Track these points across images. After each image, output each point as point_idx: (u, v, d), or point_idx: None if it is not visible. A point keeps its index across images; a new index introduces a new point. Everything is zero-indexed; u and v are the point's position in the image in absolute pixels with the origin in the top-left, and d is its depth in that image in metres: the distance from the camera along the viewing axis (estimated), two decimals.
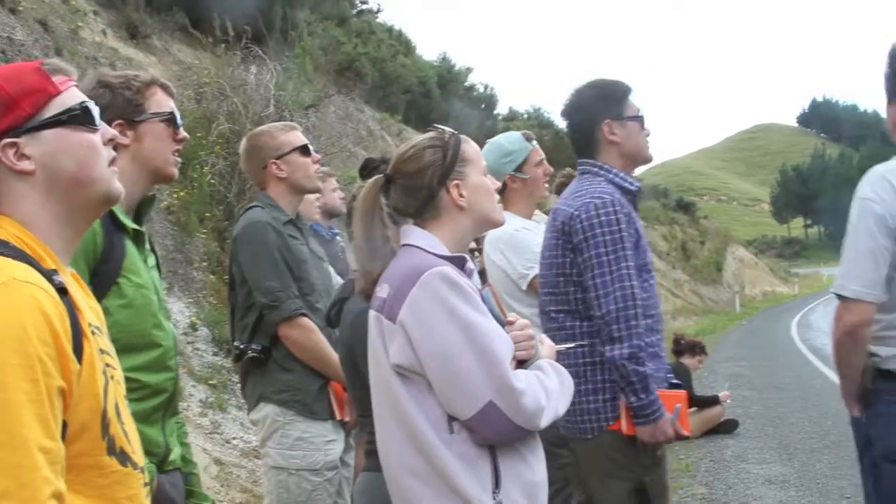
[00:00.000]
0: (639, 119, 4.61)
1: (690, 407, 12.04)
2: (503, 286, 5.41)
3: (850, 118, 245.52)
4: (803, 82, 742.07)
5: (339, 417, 4.87)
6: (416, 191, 3.14)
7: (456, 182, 3.14)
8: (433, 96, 35.87)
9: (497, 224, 3.38)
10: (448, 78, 38.95)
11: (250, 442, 8.69)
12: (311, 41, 22.00)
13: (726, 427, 12.52)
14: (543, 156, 5.66)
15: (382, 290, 3.04)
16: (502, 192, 5.56)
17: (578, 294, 4.33)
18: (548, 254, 4.50)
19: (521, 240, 5.35)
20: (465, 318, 2.88)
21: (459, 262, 3.10)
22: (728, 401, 13.00)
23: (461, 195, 3.14)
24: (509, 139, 5.71)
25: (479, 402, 2.85)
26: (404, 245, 3.13)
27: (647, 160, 4.79)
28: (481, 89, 42.88)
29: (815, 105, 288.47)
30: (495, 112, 43.78)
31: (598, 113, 4.53)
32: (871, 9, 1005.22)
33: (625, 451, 4.31)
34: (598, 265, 4.21)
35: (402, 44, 36.33)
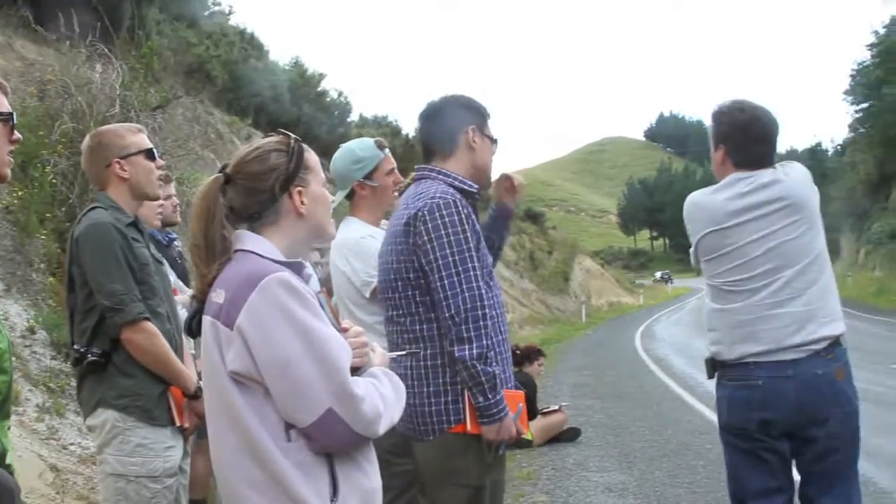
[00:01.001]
0: (494, 142, 4.73)
1: (533, 418, 12.26)
2: (347, 293, 5.40)
3: (696, 133, 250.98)
4: (651, 97, 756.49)
5: (178, 423, 4.80)
6: (258, 193, 3.08)
7: (299, 188, 3.11)
8: (284, 101, 35.65)
9: (329, 238, 3.36)
10: (300, 83, 38.75)
11: (88, 448, 8.49)
12: (161, 41, 21.72)
13: (568, 435, 12.67)
14: (395, 165, 5.65)
15: (218, 296, 2.98)
16: (350, 198, 5.60)
17: (419, 297, 4.34)
18: (388, 258, 4.49)
19: (367, 247, 5.32)
20: (305, 324, 2.85)
21: (297, 268, 3.07)
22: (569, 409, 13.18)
23: (303, 202, 3.11)
24: (361, 146, 5.65)
25: (319, 409, 2.82)
26: (239, 250, 3.07)
27: (489, 183, 4.91)
28: (334, 95, 42.77)
29: (661, 120, 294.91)
30: (348, 119, 43.70)
31: (465, 118, 4.61)
32: (717, 28, 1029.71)
33: (466, 452, 4.33)
34: (444, 266, 4.21)
35: (254, 47, 36.07)
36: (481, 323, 4.20)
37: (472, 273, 4.23)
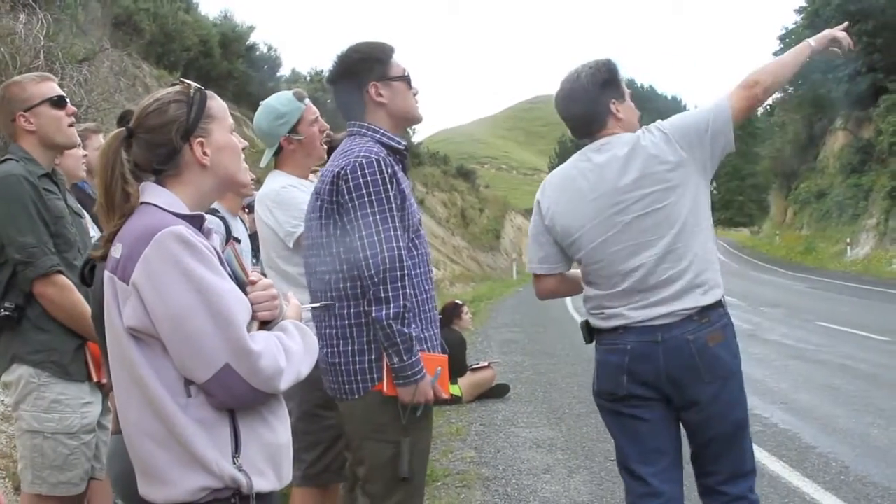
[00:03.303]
0: (405, 79, 4.61)
1: (462, 374, 12.27)
2: (272, 245, 5.37)
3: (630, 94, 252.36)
4: (585, 56, 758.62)
5: (95, 379, 4.72)
6: (158, 146, 3.00)
7: (200, 139, 3.02)
8: (214, 55, 35.32)
9: (242, 185, 3.30)
10: (231, 37, 38.34)
11: (9, 405, 8.36)
12: None
13: (498, 391, 12.71)
14: (318, 113, 5.57)
15: (116, 250, 2.89)
16: (279, 153, 5.56)
17: (344, 255, 4.29)
18: (313, 214, 4.44)
19: (289, 197, 5.26)
20: (200, 279, 2.78)
21: (197, 222, 2.99)
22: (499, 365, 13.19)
23: (205, 153, 3.02)
24: (280, 100, 5.59)
25: (215, 365, 2.77)
26: (142, 203, 2.98)
27: (417, 120, 4.77)
28: (264, 49, 42.41)
29: None
30: (278, 74, 43.38)
31: (364, 75, 4.51)
32: None
33: (390, 411, 4.31)
34: (364, 225, 4.17)
35: (182, 0, 35.61)
36: (399, 284, 4.17)
37: (392, 233, 4.19)
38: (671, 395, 4.61)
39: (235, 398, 2.84)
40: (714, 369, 4.56)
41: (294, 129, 5.50)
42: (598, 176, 4.65)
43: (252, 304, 2.97)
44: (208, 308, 2.76)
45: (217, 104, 3.12)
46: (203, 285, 2.77)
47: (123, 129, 3.05)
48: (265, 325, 2.99)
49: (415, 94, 4.66)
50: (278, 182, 5.39)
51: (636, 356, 4.59)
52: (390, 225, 4.19)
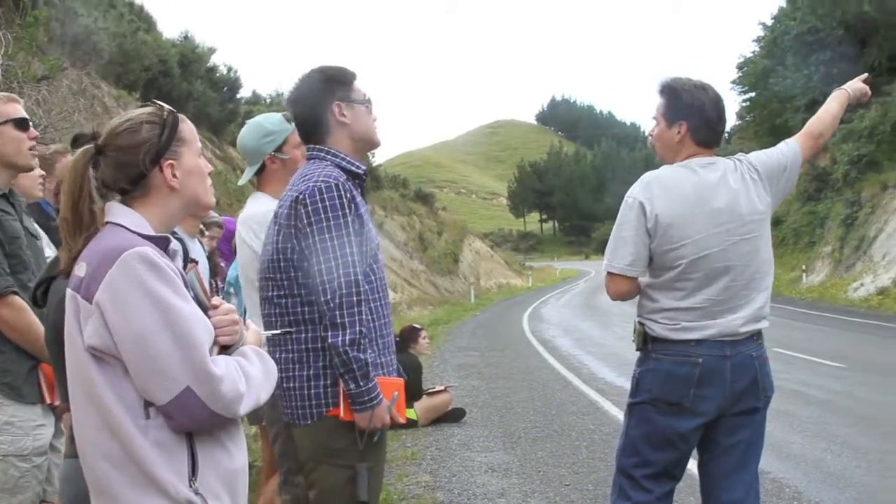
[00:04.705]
0: (367, 103, 4.62)
1: (419, 398, 12.26)
2: (252, 267, 5.32)
3: (587, 118, 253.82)
4: (543, 81, 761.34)
5: (48, 401, 4.69)
6: (128, 166, 2.98)
7: (170, 162, 3.02)
8: (174, 75, 35.13)
9: (208, 207, 3.29)
10: (191, 58, 38.19)
11: None
12: (47, 11, 21.22)
13: (454, 415, 12.69)
14: None
15: (80, 269, 2.88)
16: (261, 172, 5.59)
17: (301, 279, 4.28)
18: (272, 238, 4.43)
19: None
20: (164, 300, 2.77)
21: (163, 243, 2.98)
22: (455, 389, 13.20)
23: (174, 175, 3.02)
24: (269, 120, 5.63)
25: (176, 387, 2.75)
26: (108, 223, 2.97)
27: (376, 144, 4.80)
28: (224, 71, 42.24)
29: (553, 104, 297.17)
30: (238, 95, 43.23)
31: (328, 95, 4.51)
32: (611, 15, 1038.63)
33: (345, 436, 4.30)
34: (322, 251, 4.16)
35: (142, 20, 35.48)
36: (356, 309, 4.16)
37: (349, 259, 4.18)
38: (727, 407, 4.93)
39: (195, 421, 2.82)
40: (767, 387, 5.04)
41: (279, 149, 5.53)
42: (710, 192, 4.89)
43: (214, 328, 2.97)
44: (171, 330, 2.75)
45: (188, 127, 3.13)
46: (167, 307, 2.77)
47: (92, 146, 3.04)
48: (225, 349, 2.98)
49: (374, 121, 4.67)
50: (264, 205, 5.35)
51: (707, 369, 4.85)
52: (348, 250, 4.18)
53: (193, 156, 3.12)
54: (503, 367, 19.17)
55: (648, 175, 5.02)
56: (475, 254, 72.43)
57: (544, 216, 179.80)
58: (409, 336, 12.88)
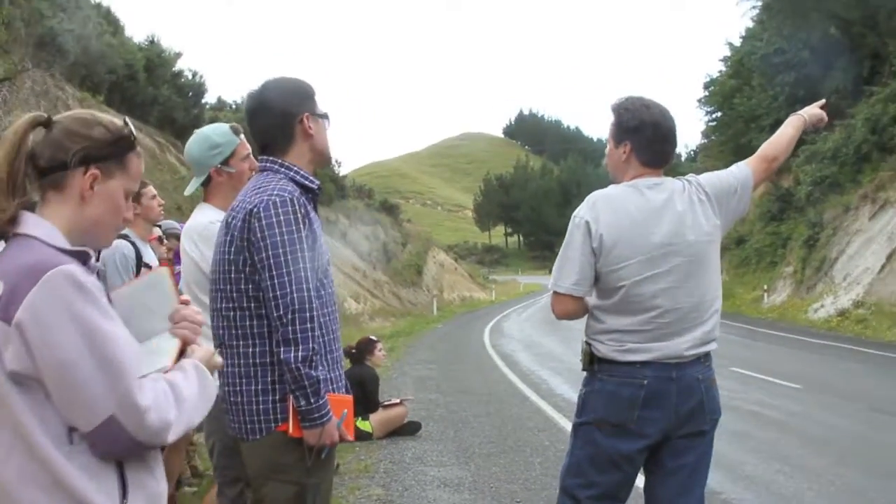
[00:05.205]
0: (326, 117, 4.61)
1: (374, 411, 12.21)
2: (194, 278, 5.31)
3: (554, 133, 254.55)
4: (511, 95, 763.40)
5: None
6: (59, 149, 2.84)
7: (95, 172, 2.86)
8: (139, 79, 35.07)
9: (102, 245, 3.06)
10: (157, 62, 38.10)
11: None
12: (12, 11, 21.10)
13: (409, 429, 12.65)
14: (250, 150, 5.54)
15: None
16: (207, 184, 5.53)
17: (252, 292, 4.23)
18: (222, 250, 4.37)
19: (215, 232, 5.21)
20: (90, 324, 2.63)
21: (83, 258, 2.82)
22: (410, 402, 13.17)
23: (91, 187, 2.86)
24: (217, 131, 5.57)
25: (100, 415, 2.63)
26: (18, 234, 2.81)
27: (330, 160, 4.83)
28: (190, 76, 42.13)
29: (521, 118, 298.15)
30: (203, 101, 43.14)
31: (298, 106, 4.47)
32: (580, 31, 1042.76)
33: (293, 452, 4.26)
34: (275, 266, 4.12)
35: (109, 22, 35.32)
36: (308, 325, 4.12)
37: (302, 274, 4.13)
38: (672, 429, 4.90)
39: (119, 450, 2.71)
40: (714, 410, 5.02)
41: (226, 162, 5.47)
42: (655, 213, 4.88)
43: (181, 319, 2.94)
44: (97, 356, 2.62)
45: (137, 163, 3.01)
46: (93, 331, 2.64)
47: (41, 115, 2.91)
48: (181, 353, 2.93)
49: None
50: (206, 216, 5.33)
51: (652, 391, 4.83)
52: (301, 266, 4.13)
53: (121, 189, 2.96)
54: (462, 381, 19.17)
55: (595, 194, 5.01)
56: (439, 266, 72.48)
57: (510, 230, 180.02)
58: (365, 348, 12.83)
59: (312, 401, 4.13)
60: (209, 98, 45.39)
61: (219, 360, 3.14)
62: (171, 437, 2.76)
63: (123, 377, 2.65)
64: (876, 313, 34.04)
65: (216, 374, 3.26)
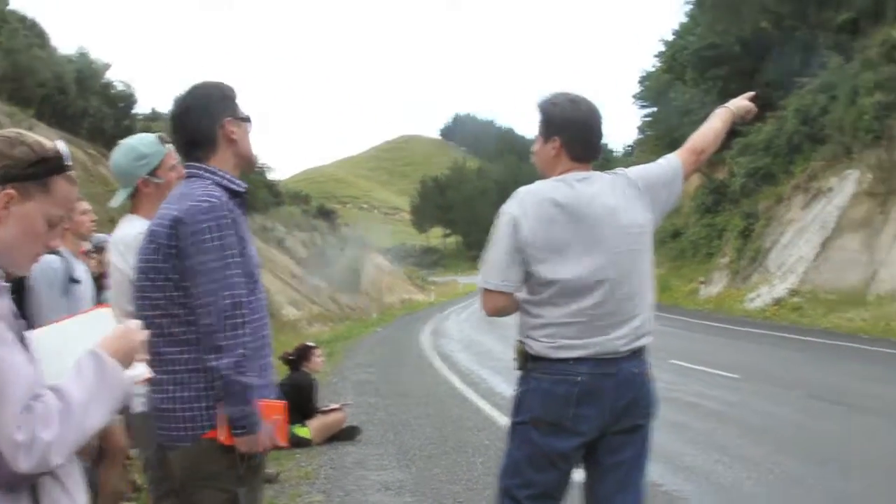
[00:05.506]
0: (249, 121, 4.56)
1: (312, 417, 12.15)
2: (122, 288, 5.22)
3: (489, 133, 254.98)
4: (447, 97, 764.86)
5: None
6: None
7: (11, 192, 2.74)
8: (69, 92, 34.75)
9: (13, 270, 2.96)
10: (87, 74, 37.78)
11: None
12: None
13: (348, 434, 12.56)
14: (177, 159, 5.47)
15: None
16: (134, 195, 5.47)
17: (181, 299, 4.17)
18: (148, 258, 4.29)
19: None
20: None
21: None
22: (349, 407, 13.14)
23: (5, 207, 2.73)
24: (143, 142, 5.51)
25: None
26: None
27: (254, 164, 4.75)
28: (120, 87, 41.79)
29: (457, 119, 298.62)
30: (133, 111, 42.77)
31: (220, 111, 4.42)
32: (512, 31, 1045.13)
33: (223, 460, 4.21)
34: (203, 272, 4.07)
35: (36, 35, 34.98)
36: (238, 332, 4.08)
37: (231, 280, 4.09)
38: (608, 426, 4.85)
39: (4, 479, 2.57)
40: (650, 404, 4.98)
41: (153, 172, 5.42)
42: (585, 206, 4.80)
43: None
44: None
45: (65, 189, 2.87)
46: None
47: None
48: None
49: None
50: (134, 228, 5.25)
51: (587, 388, 4.76)
52: (230, 272, 4.09)
53: (40, 213, 2.82)
54: (401, 384, 19.11)
55: (522, 190, 4.98)
56: (377, 269, 72.36)
57: (447, 231, 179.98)
58: (302, 354, 12.78)
59: (243, 408, 4.08)
60: (141, 109, 45.06)
61: (135, 331, 3.04)
62: (58, 458, 2.60)
63: (5, 407, 2.52)
64: (811, 301, 34.47)
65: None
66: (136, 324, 3.01)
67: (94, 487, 6.46)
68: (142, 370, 3.05)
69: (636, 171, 5.12)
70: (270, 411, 4.30)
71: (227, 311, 4.05)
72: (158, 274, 4.22)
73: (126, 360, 2.91)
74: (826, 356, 22.24)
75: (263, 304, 4.45)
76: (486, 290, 4.97)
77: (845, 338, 26.34)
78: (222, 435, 4.17)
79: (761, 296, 38.97)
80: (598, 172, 5.00)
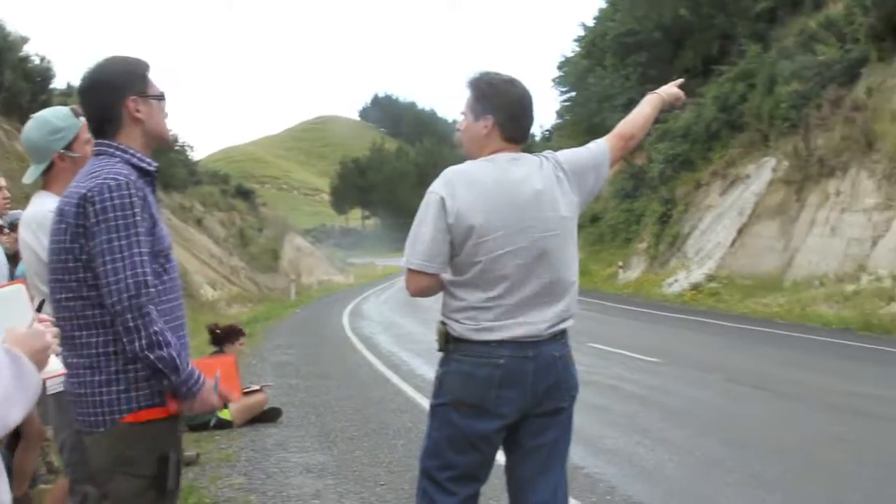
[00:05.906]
0: (161, 98, 4.43)
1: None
2: (34, 267, 5.11)
3: (409, 115, 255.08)
4: (366, 77, 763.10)
5: None
6: None
7: None
8: None
9: None
10: (2, 46, 37.07)
11: None
12: None
13: (269, 416, 12.47)
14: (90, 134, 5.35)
15: None
16: (48, 170, 5.31)
17: (92, 280, 4.05)
18: (57, 238, 4.18)
19: None
20: None
21: None
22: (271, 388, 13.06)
23: None
24: (58, 115, 5.33)
25: None
26: None
27: (169, 142, 4.65)
28: (37, 61, 41.04)
29: (376, 100, 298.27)
30: (51, 86, 42.05)
31: (124, 89, 4.28)
32: (432, 12, 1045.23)
33: (140, 445, 4.11)
34: (109, 251, 3.95)
35: None
36: (146, 310, 3.96)
37: (137, 259, 3.97)
38: (530, 408, 4.84)
39: None
40: (572, 387, 4.98)
41: (69, 147, 5.26)
42: (514, 188, 4.78)
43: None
44: None
45: None
46: None
47: None
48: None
49: (165, 117, 4.48)
50: (46, 205, 5.05)
51: (509, 370, 4.75)
52: (136, 251, 3.97)
53: None
54: (322, 366, 19.01)
55: (450, 170, 4.92)
56: (296, 250, 72.07)
57: (367, 213, 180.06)
58: (229, 335, 12.74)
59: (174, 377, 4.01)
60: (59, 84, 44.30)
61: (48, 336, 2.98)
62: None
63: None
64: (728, 286, 34.91)
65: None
66: (45, 324, 2.92)
67: (10, 471, 6.33)
68: (56, 366, 3.00)
69: (564, 154, 5.09)
70: (211, 367, 4.31)
71: (132, 290, 3.94)
72: (68, 255, 4.10)
73: (41, 360, 2.88)
74: (743, 341, 22.51)
75: (178, 285, 4.35)
76: (411, 271, 4.94)
77: (762, 323, 26.71)
78: (172, 406, 4.11)
79: (679, 281, 39.37)
80: (527, 154, 4.98)
